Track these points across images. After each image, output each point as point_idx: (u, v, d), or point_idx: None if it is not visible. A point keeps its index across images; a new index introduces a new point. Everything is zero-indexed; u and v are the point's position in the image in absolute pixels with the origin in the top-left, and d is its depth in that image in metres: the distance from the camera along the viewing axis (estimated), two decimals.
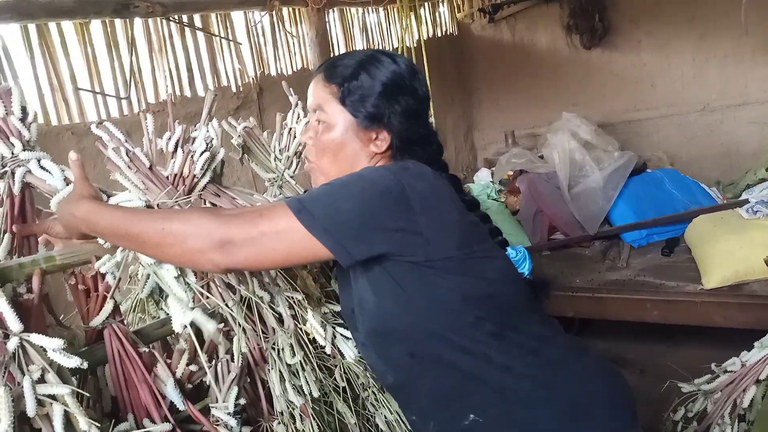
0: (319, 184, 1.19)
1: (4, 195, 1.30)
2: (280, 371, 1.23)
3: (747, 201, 2.89)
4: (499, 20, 4.46)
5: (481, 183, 3.79)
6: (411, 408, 1.20)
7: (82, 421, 0.91)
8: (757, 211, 2.71)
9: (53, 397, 0.92)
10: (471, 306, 1.06)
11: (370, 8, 4.07)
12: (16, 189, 1.29)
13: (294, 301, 1.26)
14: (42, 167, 1.29)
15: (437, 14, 4.54)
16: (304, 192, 1.17)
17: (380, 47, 4.19)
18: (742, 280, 2.47)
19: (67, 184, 1.22)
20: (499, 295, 1.10)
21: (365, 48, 4.09)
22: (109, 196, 1.29)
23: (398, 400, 1.29)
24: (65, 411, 0.92)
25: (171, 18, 2.94)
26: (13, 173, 1.28)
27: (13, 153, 1.28)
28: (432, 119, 2.34)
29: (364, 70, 1.15)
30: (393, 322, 1.08)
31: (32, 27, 2.48)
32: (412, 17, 4.05)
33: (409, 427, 1.37)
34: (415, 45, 3.65)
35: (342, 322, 1.35)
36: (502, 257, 1.16)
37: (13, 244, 1.33)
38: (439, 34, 4.56)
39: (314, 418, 1.25)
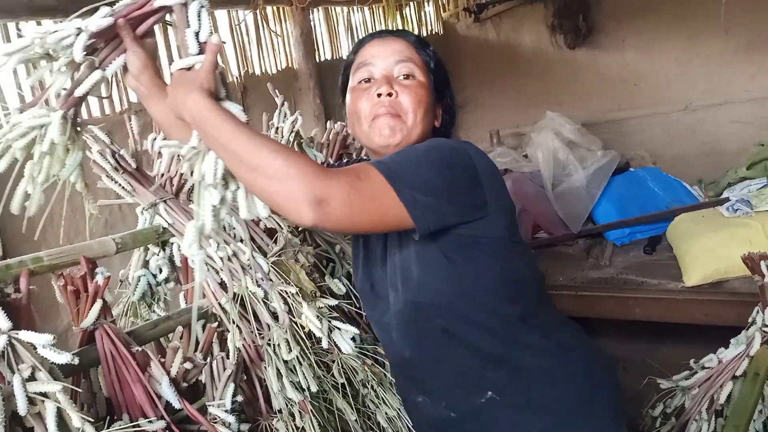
0: (393, 141, 1.16)
1: None
2: (277, 367, 1.24)
3: (728, 199, 2.94)
4: (485, 20, 4.49)
5: None
6: (421, 388, 1.22)
7: (74, 418, 0.90)
8: (737, 210, 2.75)
9: (45, 395, 0.92)
10: (506, 287, 1.13)
11: (355, 7, 4.07)
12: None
13: (288, 296, 1.26)
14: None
15: (423, 13, 4.55)
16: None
17: None
18: (722, 278, 2.51)
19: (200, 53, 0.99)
20: (529, 280, 1.17)
21: (350, 47, 4.09)
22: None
23: (407, 381, 1.27)
24: (58, 409, 0.91)
25: None
26: None
27: None
28: None
29: (435, 52, 1.25)
30: (435, 295, 1.11)
31: (11, 25, 2.45)
32: (398, 16, 4.06)
33: (407, 421, 1.39)
34: None
35: (338, 315, 1.36)
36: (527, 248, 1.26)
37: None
38: (425, 34, 4.57)
39: (314, 415, 1.26)
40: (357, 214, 0.95)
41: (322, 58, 3.93)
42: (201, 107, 0.93)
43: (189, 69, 0.97)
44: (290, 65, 3.73)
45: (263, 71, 3.59)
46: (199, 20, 0.98)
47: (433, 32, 4.71)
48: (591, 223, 3.35)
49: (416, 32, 4.46)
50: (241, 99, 3.42)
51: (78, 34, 1.01)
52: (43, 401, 0.91)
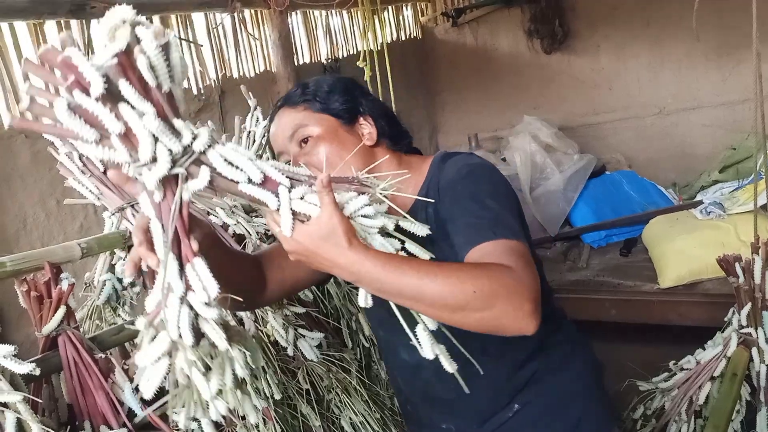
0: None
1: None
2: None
3: (701, 202, 2.98)
4: (462, 24, 4.51)
5: None
6: (451, 413, 1.21)
7: (35, 428, 0.89)
8: (710, 212, 2.79)
9: (5, 405, 0.90)
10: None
11: (333, 11, 4.07)
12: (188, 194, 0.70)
13: None
14: (229, 163, 0.74)
15: (401, 18, 4.56)
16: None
17: (344, 50, 4.19)
18: (696, 279, 2.55)
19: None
20: (542, 277, 1.18)
21: (328, 51, 4.09)
22: None
23: (433, 408, 1.23)
24: (18, 419, 0.90)
25: None
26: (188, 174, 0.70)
27: (183, 144, 0.69)
28: None
29: (314, 84, 1.18)
30: None
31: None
32: (376, 21, 4.07)
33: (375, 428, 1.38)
34: (378, 48, 3.67)
35: (304, 323, 1.35)
36: None
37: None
38: (403, 38, 4.58)
39: (278, 422, 1.24)
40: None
41: (301, 62, 3.92)
42: (364, 267, 0.78)
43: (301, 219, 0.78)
44: (268, 68, 3.72)
45: (241, 74, 3.57)
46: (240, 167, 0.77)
47: (412, 36, 4.72)
48: (568, 226, 3.37)
49: (394, 37, 4.47)
50: (219, 102, 3.40)
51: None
52: (2, 411, 0.90)
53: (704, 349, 1.80)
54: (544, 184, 3.34)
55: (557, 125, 3.80)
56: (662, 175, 3.78)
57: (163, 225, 0.67)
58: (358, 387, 1.48)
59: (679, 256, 2.60)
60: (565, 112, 4.14)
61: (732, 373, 1.62)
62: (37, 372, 0.92)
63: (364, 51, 2.90)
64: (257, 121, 1.78)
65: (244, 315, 1.25)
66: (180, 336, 0.69)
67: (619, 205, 3.32)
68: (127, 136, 0.65)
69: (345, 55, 4.19)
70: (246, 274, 1.07)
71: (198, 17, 3.32)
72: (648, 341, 2.68)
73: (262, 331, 1.27)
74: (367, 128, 1.16)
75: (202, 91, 3.32)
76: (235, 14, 3.44)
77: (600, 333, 3.09)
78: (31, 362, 0.92)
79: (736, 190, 2.95)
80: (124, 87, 0.63)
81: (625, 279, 2.77)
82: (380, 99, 1.26)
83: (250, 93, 1.92)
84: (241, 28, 3.53)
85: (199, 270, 0.67)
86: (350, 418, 1.44)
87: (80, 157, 1.36)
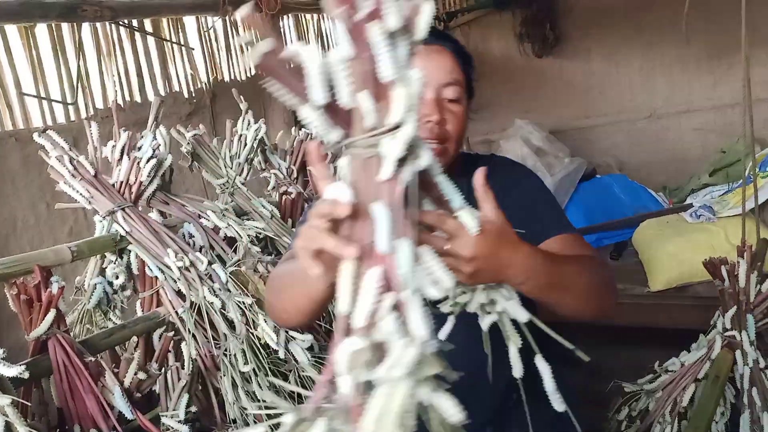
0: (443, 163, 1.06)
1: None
2: (233, 377, 1.22)
3: (691, 205, 3.00)
4: (454, 28, 4.52)
5: None
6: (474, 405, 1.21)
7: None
8: (700, 215, 2.81)
9: None
10: None
11: (325, 15, 4.08)
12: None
13: (245, 306, 1.25)
14: None
15: None
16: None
17: None
18: (686, 282, 2.56)
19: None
20: None
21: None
22: None
23: (483, 413, 1.21)
24: (6, 422, 0.89)
25: (120, 22, 2.89)
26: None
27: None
28: None
29: (472, 61, 1.14)
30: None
31: None
32: None
33: None
34: None
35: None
36: None
37: None
38: None
39: (270, 426, 1.24)
40: None
41: (293, 66, 3.93)
42: (536, 261, 0.80)
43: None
44: (260, 72, 3.72)
45: (232, 78, 3.58)
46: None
47: None
48: None
49: None
50: (210, 106, 3.40)
51: None
52: None
53: (689, 351, 1.81)
54: None
55: (548, 129, 3.81)
56: (653, 178, 3.80)
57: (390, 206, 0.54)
58: None
59: (669, 259, 2.61)
60: (556, 115, 4.16)
61: (715, 375, 1.63)
62: (26, 375, 0.91)
63: None
64: (248, 124, 1.78)
65: (235, 318, 1.26)
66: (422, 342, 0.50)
67: (609, 208, 3.33)
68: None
69: None
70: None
71: (190, 21, 3.32)
72: (637, 344, 2.69)
73: (252, 334, 1.27)
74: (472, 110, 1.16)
75: (194, 95, 3.32)
76: (227, 18, 3.44)
77: (589, 335, 3.10)
78: (20, 365, 0.92)
79: (726, 193, 2.97)
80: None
81: (616, 282, 2.78)
82: None
83: (241, 96, 1.92)
84: (232, 32, 3.54)
85: (430, 260, 0.60)
86: None
87: (71, 160, 1.36)
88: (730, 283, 1.71)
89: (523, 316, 0.78)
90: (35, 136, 1.38)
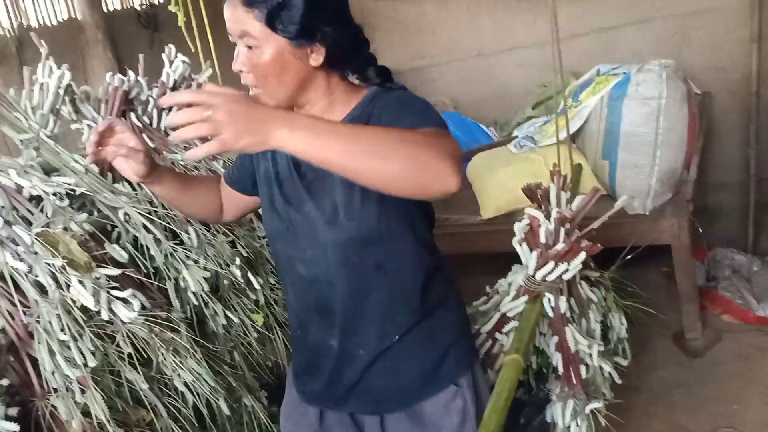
0: (272, 107, 1.09)
1: None
2: (48, 345, 1.14)
3: (516, 137, 3.21)
4: None
5: None
6: (333, 329, 1.24)
7: None
8: (523, 146, 3.02)
9: None
10: (428, 218, 1.25)
11: None
12: None
13: (56, 269, 1.16)
14: None
15: None
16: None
17: None
18: (513, 209, 2.76)
19: None
20: (429, 220, 1.28)
21: None
22: None
23: (323, 320, 1.27)
24: None
25: None
26: None
27: None
28: (214, 71, 2.25)
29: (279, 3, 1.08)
30: (372, 230, 1.15)
31: None
32: None
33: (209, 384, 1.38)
34: None
35: (118, 285, 1.28)
36: None
37: None
38: None
39: (98, 390, 1.18)
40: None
41: (111, 8, 3.61)
42: (298, 117, 0.89)
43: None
44: (73, 16, 3.38)
45: (41, 23, 3.22)
46: None
47: None
48: None
49: None
50: (17, 54, 3.05)
51: None
52: None
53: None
54: None
55: None
56: (484, 114, 4.00)
57: None
58: (188, 346, 1.45)
59: (496, 188, 2.80)
60: (393, 57, 4.21)
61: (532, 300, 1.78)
62: None
63: None
64: (50, 71, 1.62)
65: (45, 282, 1.16)
66: None
67: None
68: None
69: (162, 0, 3.91)
70: (203, 197, 1.37)
71: None
72: (476, 272, 2.87)
73: (66, 297, 1.18)
74: (316, 53, 1.11)
75: None
76: None
77: None
78: None
79: (545, 123, 3.21)
80: None
81: (453, 213, 2.93)
82: (348, 13, 1.18)
83: (42, 41, 1.73)
84: None
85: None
86: (184, 379, 1.40)
87: None
88: (543, 206, 1.86)
89: None
90: None
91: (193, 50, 2.60)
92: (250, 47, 1.10)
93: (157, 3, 3.90)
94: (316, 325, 1.28)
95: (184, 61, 2.07)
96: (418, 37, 4.20)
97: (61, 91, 1.63)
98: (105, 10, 3.55)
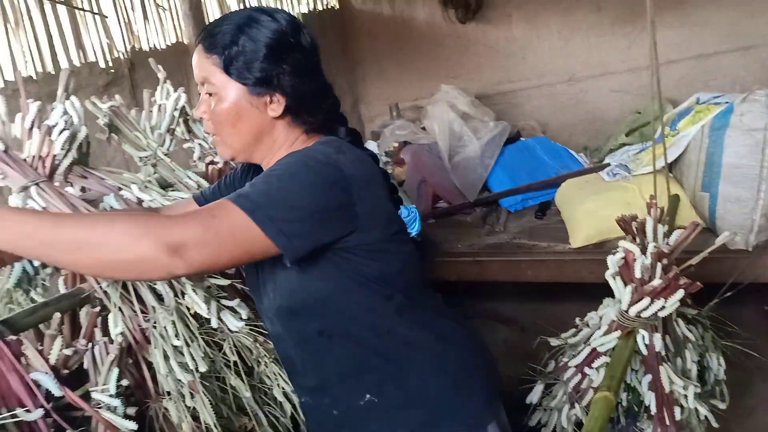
0: (225, 156, 1.17)
1: None
2: (164, 350, 1.22)
3: (608, 164, 3.14)
4: None
5: None
6: (305, 387, 1.21)
7: None
8: (616, 174, 2.95)
9: None
10: (384, 283, 1.11)
11: None
12: None
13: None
14: None
15: None
16: (248, 185, 1.03)
17: None
18: (604, 238, 2.70)
19: None
20: (407, 271, 1.15)
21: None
22: None
23: (293, 378, 1.27)
24: None
25: None
26: None
27: None
28: None
29: (243, 33, 1.08)
30: (309, 300, 1.09)
31: None
32: None
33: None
34: None
35: (226, 294, 1.35)
36: (407, 235, 1.21)
37: None
38: (320, 9, 4.53)
39: (206, 395, 1.25)
40: (217, 253, 0.92)
41: None
42: (5, 226, 0.84)
43: None
44: (180, 40, 3.60)
45: (152, 47, 3.45)
46: None
47: (329, 6, 4.67)
48: (486, 192, 3.48)
49: (312, 7, 4.41)
50: (129, 76, 3.27)
51: None
52: None
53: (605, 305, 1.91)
54: (462, 151, 3.43)
55: (474, 94, 3.88)
56: (574, 139, 3.95)
57: None
58: None
59: (587, 216, 2.74)
60: (481, 80, 4.24)
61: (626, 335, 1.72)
62: None
63: None
64: (167, 93, 1.74)
65: (162, 290, 1.25)
66: None
67: (534, 169, 3.45)
68: None
69: None
70: None
71: None
72: (564, 300, 2.82)
73: (181, 304, 1.26)
74: (276, 104, 1.11)
75: (111, 65, 3.18)
76: None
77: (518, 293, 3.24)
78: None
79: (640, 152, 3.12)
80: None
81: (540, 240, 2.90)
82: (314, 67, 1.16)
83: (159, 66, 1.86)
84: None
85: None
86: (283, 389, 1.45)
87: None
88: (639, 239, 1.81)
89: None
90: None
91: None
92: (210, 94, 1.11)
93: None
94: (291, 378, 1.28)
95: None
96: (507, 60, 4.20)
97: (177, 113, 1.74)
98: None
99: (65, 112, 1.37)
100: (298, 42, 1.11)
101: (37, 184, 1.29)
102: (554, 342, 1.98)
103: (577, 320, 1.99)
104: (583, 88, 4.02)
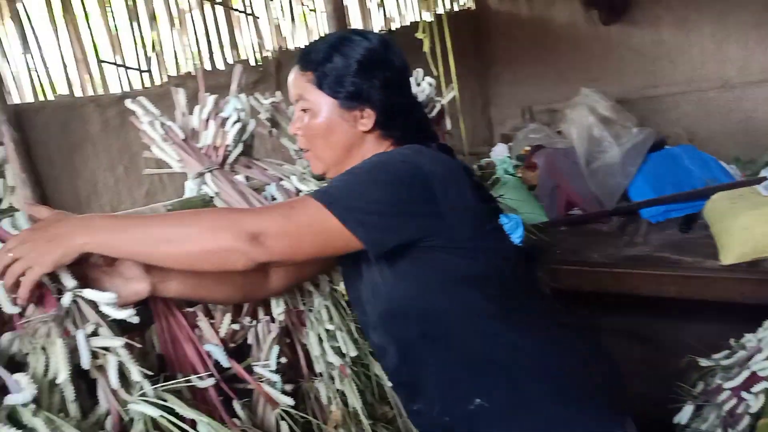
0: (317, 171, 1.23)
1: None
2: (318, 333, 1.27)
3: (765, 178, 2.89)
4: None
5: (498, 158, 3.80)
6: (415, 394, 1.20)
7: (134, 372, 0.94)
8: None
9: (107, 349, 0.95)
10: (484, 285, 1.10)
11: None
12: None
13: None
14: None
15: None
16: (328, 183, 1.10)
17: (398, 22, 4.17)
18: (760, 257, 2.49)
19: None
20: (508, 273, 1.14)
21: (382, 24, 4.08)
22: None
23: (401, 388, 1.27)
24: (119, 362, 0.95)
25: None
26: None
27: None
28: (455, 93, 2.35)
29: (336, 51, 1.15)
30: (408, 303, 1.10)
31: (56, 0, 2.50)
32: None
33: None
34: (430, 19, 3.65)
35: None
36: (506, 234, 1.19)
37: None
38: (456, 9, 4.54)
39: (354, 380, 1.29)
40: (297, 243, 0.98)
41: None
42: (94, 220, 0.94)
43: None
44: None
45: (297, 46, 3.61)
46: None
47: (465, 6, 4.67)
48: (625, 201, 3.33)
49: (447, 7, 4.42)
50: (275, 74, 3.45)
51: None
52: (104, 354, 0.95)
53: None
54: (602, 157, 3.30)
55: (615, 98, 3.72)
56: (724, 150, 3.67)
57: None
58: None
59: (742, 232, 2.54)
60: (623, 84, 4.05)
61: None
62: (136, 319, 0.97)
63: (423, 22, 2.89)
64: None
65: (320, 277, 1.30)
66: None
67: (679, 180, 3.25)
68: None
69: (398, 26, 4.17)
70: (234, 282, 1.15)
71: None
72: (709, 319, 2.63)
73: (336, 290, 1.31)
74: (366, 118, 1.15)
75: (260, 63, 3.37)
76: None
77: (658, 309, 3.06)
78: (129, 309, 0.97)
79: None
80: None
81: (686, 255, 2.72)
82: (403, 84, 1.21)
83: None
84: (297, 1, 3.56)
85: None
86: None
87: (162, 125, 1.42)
88: None
89: None
90: (127, 102, 1.44)
91: (435, 73, 2.75)
92: (304, 110, 1.17)
93: (393, 29, 4.16)
94: (396, 389, 1.29)
95: (430, 84, 2.19)
96: (654, 64, 3.99)
97: None
98: None
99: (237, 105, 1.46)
100: (388, 59, 1.17)
101: (211, 171, 1.38)
102: (704, 363, 1.86)
103: (731, 341, 1.86)
104: (739, 96, 3.73)
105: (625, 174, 3.23)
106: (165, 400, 0.96)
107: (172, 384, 1.02)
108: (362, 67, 1.14)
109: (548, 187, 3.38)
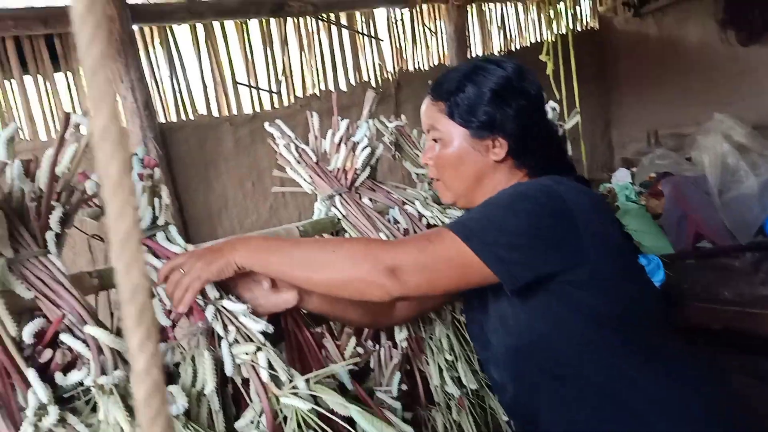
0: (446, 200, 1.24)
1: None
2: (438, 363, 1.28)
3: None
4: (646, 14, 4.26)
5: (620, 183, 3.65)
6: (531, 427, 1.16)
7: (279, 364, 0.98)
8: None
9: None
10: (618, 324, 1.05)
11: (509, 3, 4.03)
12: None
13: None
14: None
15: (577, 8, 4.40)
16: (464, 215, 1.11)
17: (518, 43, 4.13)
18: None
19: None
20: (643, 312, 1.08)
21: (502, 45, 4.05)
22: None
23: (520, 424, 1.23)
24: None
25: (320, 17, 3.08)
26: None
27: None
28: (578, 117, 2.29)
29: (469, 81, 1.15)
30: (537, 339, 1.06)
31: (199, 26, 2.70)
32: (551, 12, 3.96)
33: None
34: (553, 40, 3.58)
35: None
36: (644, 273, 1.15)
37: None
38: (579, 29, 4.42)
39: (472, 412, 1.29)
40: (433, 277, 0.98)
41: (473, 54, 3.94)
42: (253, 248, 1.01)
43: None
44: (442, 62, 3.77)
45: (417, 68, 3.67)
46: None
47: (588, 27, 4.54)
48: (762, 236, 3.08)
49: (571, 27, 4.33)
50: (395, 94, 3.52)
51: None
52: (248, 354, 0.99)
53: None
54: (737, 187, 3.08)
55: (751, 124, 3.46)
56: None
57: None
58: None
59: None
60: (761, 109, 3.77)
61: None
62: (270, 329, 1.02)
63: (547, 43, 2.84)
64: None
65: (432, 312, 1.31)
66: None
67: None
68: None
69: (518, 47, 4.13)
70: (366, 306, 1.18)
71: (379, 12, 3.45)
72: None
73: (458, 321, 1.31)
74: (499, 147, 1.14)
75: (380, 84, 3.46)
76: (414, 9, 3.53)
77: None
78: (263, 321, 1.02)
79: None
80: None
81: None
82: (538, 112, 1.18)
83: (429, 82, 1.97)
84: (418, 22, 3.62)
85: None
86: None
87: (296, 148, 1.49)
88: None
89: None
90: (266, 125, 1.52)
91: (557, 97, 2.70)
92: (436, 140, 1.17)
93: (513, 50, 4.13)
94: (518, 426, 1.24)
95: (553, 108, 2.15)
96: None
97: None
98: (468, 56, 3.88)
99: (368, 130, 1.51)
100: (522, 88, 1.15)
101: (340, 194, 1.44)
102: None
103: None
104: None
105: (763, 206, 3.00)
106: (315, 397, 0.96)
107: (321, 373, 1.01)
108: (495, 96, 1.13)
109: (675, 216, 3.20)
